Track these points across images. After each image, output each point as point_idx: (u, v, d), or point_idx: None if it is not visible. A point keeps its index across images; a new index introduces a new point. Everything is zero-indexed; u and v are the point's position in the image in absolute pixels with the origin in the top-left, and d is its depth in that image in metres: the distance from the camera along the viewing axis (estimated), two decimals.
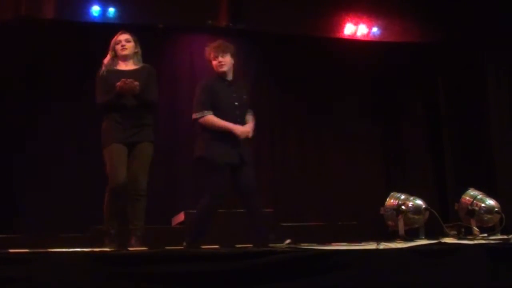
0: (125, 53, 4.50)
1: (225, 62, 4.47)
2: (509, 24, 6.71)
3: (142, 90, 4.32)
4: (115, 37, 4.53)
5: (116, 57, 4.48)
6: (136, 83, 4.28)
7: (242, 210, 5.59)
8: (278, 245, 3.81)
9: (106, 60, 4.49)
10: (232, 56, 4.52)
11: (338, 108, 7.43)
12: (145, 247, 3.93)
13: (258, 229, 4.34)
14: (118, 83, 4.26)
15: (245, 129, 4.41)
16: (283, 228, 5.76)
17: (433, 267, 3.36)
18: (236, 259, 3.14)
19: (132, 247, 4.03)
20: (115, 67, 4.47)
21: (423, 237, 4.01)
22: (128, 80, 4.27)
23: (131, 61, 4.51)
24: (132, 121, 4.35)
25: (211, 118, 4.40)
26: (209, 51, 4.54)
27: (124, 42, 4.51)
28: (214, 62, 4.49)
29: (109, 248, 3.97)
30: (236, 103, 4.45)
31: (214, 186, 4.34)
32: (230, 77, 4.52)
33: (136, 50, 4.55)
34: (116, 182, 4.24)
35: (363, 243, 3.63)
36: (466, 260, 3.43)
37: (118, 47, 4.49)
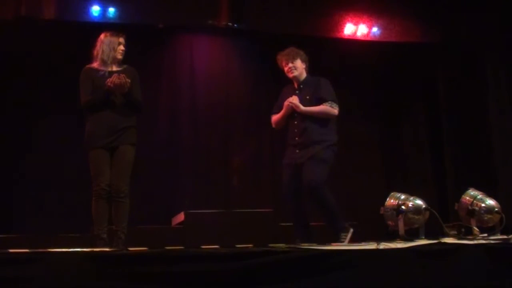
0: (121, 57, 4.49)
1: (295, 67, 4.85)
2: (509, 24, 6.71)
3: (130, 89, 4.33)
4: (115, 37, 4.50)
5: (107, 58, 4.46)
6: (128, 79, 4.28)
7: (242, 210, 5.60)
8: (278, 245, 3.81)
9: (98, 59, 4.48)
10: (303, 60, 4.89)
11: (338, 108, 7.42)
12: (144, 247, 3.93)
13: None
14: (110, 79, 4.26)
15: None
16: (283, 228, 5.77)
17: (433, 267, 3.36)
18: (236, 259, 3.13)
19: (116, 248, 4.07)
20: (99, 68, 4.46)
21: (423, 237, 4.01)
22: (121, 75, 4.27)
23: (116, 63, 4.51)
24: (116, 122, 4.36)
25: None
26: (279, 60, 4.91)
27: (123, 46, 4.50)
28: (285, 69, 4.87)
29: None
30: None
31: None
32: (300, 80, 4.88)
33: None
34: (99, 186, 4.32)
35: (363, 243, 3.62)
36: (466, 260, 3.43)
37: (119, 49, 4.47)
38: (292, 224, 4.79)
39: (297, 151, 4.68)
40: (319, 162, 4.59)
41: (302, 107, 4.68)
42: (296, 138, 4.71)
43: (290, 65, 4.82)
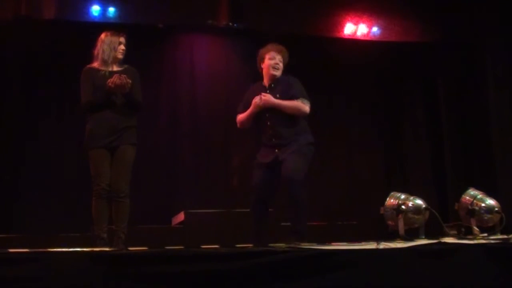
0: (122, 57, 4.49)
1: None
2: (508, 23, 6.72)
3: (130, 89, 4.33)
4: (115, 37, 4.49)
5: (108, 57, 4.46)
6: (129, 80, 4.28)
7: (242, 210, 5.58)
8: (278, 245, 3.80)
9: (98, 59, 4.47)
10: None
11: (338, 108, 7.43)
12: (144, 247, 3.93)
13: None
14: (111, 79, 4.25)
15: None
16: (283, 228, 5.76)
17: (433, 267, 3.36)
18: (236, 259, 3.13)
19: (116, 248, 4.08)
20: (100, 68, 4.45)
21: (423, 237, 4.00)
22: (122, 75, 4.26)
23: (116, 63, 4.51)
24: (117, 122, 4.35)
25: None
26: (269, 49, 4.64)
27: (123, 46, 4.50)
28: (270, 62, 4.60)
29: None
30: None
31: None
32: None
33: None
34: (99, 186, 4.32)
35: (363, 243, 3.62)
36: (466, 260, 3.42)
37: (119, 49, 4.47)
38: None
39: (276, 150, 4.47)
40: (300, 156, 4.42)
41: (273, 99, 4.44)
42: (273, 140, 4.49)
43: (279, 62, 4.60)
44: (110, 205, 4.36)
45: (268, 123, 4.51)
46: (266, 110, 4.51)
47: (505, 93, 6.84)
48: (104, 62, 4.44)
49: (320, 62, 7.14)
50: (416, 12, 6.82)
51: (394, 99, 7.71)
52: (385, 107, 7.68)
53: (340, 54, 7.02)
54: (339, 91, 7.34)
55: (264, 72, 4.66)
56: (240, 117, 4.65)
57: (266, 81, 4.66)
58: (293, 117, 4.51)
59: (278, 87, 4.57)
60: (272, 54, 4.62)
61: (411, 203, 4.11)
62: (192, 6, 6.31)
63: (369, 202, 6.28)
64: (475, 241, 3.71)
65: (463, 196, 4.49)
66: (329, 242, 3.88)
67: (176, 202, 6.59)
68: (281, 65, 4.62)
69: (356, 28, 6.80)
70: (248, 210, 5.75)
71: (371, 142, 7.58)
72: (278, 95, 4.53)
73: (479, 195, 4.42)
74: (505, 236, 4.00)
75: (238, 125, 4.70)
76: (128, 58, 4.59)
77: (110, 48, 4.44)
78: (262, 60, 4.66)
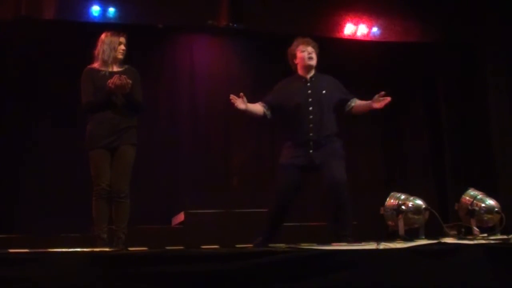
0: (122, 57, 4.49)
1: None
2: (509, 24, 6.72)
3: (131, 90, 4.33)
4: (115, 37, 4.49)
5: (108, 58, 4.45)
6: (129, 80, 4.28)
7: (242, 210, 5.59)
8: (278, 245, 3.81)
9: (99, 60, 4.47)
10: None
11: None
12: (144, 247, 3.93)
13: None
14: (111, 80, 4.25)
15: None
16: (283, 228, 5.75)
17: (433, 267, 3.36)
18: (236, 259, 3.13)
19: (116, 248, 4.08)
20: (100, 68, 4.45)
21: (423, 237, 4.01)
22: (122, 76, 4.26)
23: (116, 63, 4.51)
24: (117, 123, 4.35)
25: None
26: (303, 42, 4.63)
27: (124, 46, 4.50)
28: (304, 54, 4.58)
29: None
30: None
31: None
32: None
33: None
34: (100, 186, 4.33)
35: (363, 243, 3.62)
36: (466, 260, 3.43)
37: (119, 49, 4.47)
38: (292, 224, 4.76)
39: (311, 151, 4.40)
40: (341, 160, 4.50)
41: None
42: (310, 134, 4.41)
43: (311, 52, 4.59)
44: (110, 205, 4.36)
45: (311, 116, 4.45)
46: (310, 103, 4.47)
47: (505, 93, 6.84)
48: (104, 63, 4.45)
49: (319, 63, 7.12)
50: (416, 12, 6.82)
51: (394, 99, 7.68)
52: (385, 107, 7.67)
53: (340, 54, 7.01)
54: None
55: (300, 65, 4.63)
56: (258, 106, 4.58)
57: (303, 74, 4.62)
58: (335, 116, 4.55)
59: (321, 83, 4.57)
60: (302, 47, 4.62)
61: (411, 203, 4.11)
62: (192, 7, 6.31)
63: (369, 202, 6.27)
64: (475, 241, 3.71)
65: (463, 196, 4.48)
66: (329, 242, 3.88)
67: (176, 202, 6.60)
68: (314, 55, 4.61)
69: (356, 29, 6.80)
70: (248, 210, 5.78)
71: (371, 142, 7.57)
72: (323, 91, 4.53)
73: (479, 195, 4.42)
74: (505, 236, 4.00)
75: (243, 105, 4.46)
76: (128, 58, 4.60)
77: (110, 48, 4.44)
78: (294, 56, 4.64)
